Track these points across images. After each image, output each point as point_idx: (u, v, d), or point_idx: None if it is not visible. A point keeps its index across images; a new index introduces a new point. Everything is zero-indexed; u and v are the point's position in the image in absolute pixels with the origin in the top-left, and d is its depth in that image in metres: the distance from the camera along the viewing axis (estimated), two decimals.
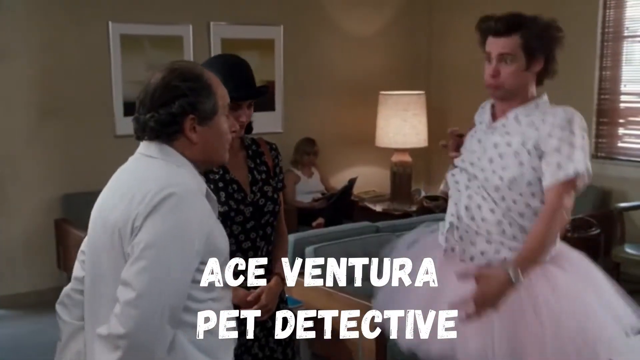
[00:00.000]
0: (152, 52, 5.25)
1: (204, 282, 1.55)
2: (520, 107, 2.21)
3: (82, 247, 1.73)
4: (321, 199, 5.66)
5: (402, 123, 5.98)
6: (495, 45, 2.20)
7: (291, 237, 3.92)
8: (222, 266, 1.60)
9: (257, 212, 2.25)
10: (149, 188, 1.51)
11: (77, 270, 1.73)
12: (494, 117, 2.28)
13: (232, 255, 2.19)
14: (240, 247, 2.23)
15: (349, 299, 3.44)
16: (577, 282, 2.20)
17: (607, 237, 5.03)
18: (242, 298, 2.15)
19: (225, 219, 2.16)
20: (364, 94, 6.32)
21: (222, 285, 1.61)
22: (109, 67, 5.13)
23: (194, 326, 1.55)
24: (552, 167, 2.09)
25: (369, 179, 6.42)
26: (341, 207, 5.63)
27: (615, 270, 4.71)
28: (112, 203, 1.58)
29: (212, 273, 1.56)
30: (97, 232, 1.62)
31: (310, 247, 3.80)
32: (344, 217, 5.49)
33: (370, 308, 3.28)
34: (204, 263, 1.54)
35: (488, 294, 1.96)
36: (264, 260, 2.24)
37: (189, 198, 1.52)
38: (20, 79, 4.92)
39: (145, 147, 1.63)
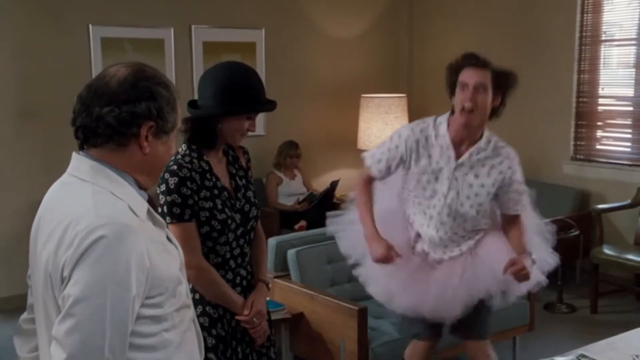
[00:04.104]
0: (133, 56, 5.22)
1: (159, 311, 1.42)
2: (477, 146, 2.67)
3: (30, 271, 1.57)
4: (303, 202, 5.67)
5: (383, 126, 6.01)
6: (473, 75, 2.59)
7: (273, 240, 3.92)
8: (173, 292, 1.45)
9: (244, 218, 2.25)
10: (76, 229, 1.34)
11: (29, 297, 1.60)
12: (457, 152, 2.68)
13: (226, 263, 2.22)
14: (233, 254, 2.23)
15: (330, 301, 3.45)
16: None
17: (586, 239, 5.09)
18: (239, 309, 2.21)
19: (223, 227, 2.16)
20: (346, 96, 6.35)
21: (177, 308, 1.48)
22: (89, 71, 5.10)
23: None
24: (514, 202, 2.73)
25: (351, 181, 6.42)
26: (323, 209, 5.61)
27: (594, 271, 4.76)
28: (43, 237, 1.43)
29: (162, 307, 1.42)
30: (33, 264, 1.50)
31: (292, 250, 3.80)
32: (327, 220, 5.50)
33: (353, 310, 3.30)
34: (151, 297, 1.39)
35: (527, 267, 2.55)
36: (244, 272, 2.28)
37: (121, 238, 1.33)
38: (0, 83, 4.89)
39: (76, 166, 1.45)
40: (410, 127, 2.75)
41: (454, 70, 2.66)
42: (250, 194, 2.29)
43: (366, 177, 2.81)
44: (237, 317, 2.21)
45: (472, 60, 2.62)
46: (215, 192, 2.18)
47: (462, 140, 2.66)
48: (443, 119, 2.71)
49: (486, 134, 2.69)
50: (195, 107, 2.20)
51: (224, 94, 2.12)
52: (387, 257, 2.57)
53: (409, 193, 2.77)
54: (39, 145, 4.99)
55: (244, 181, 2.30)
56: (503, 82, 2.64)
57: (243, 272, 2.28)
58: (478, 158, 2.66)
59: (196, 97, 2.23)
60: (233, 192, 2.24)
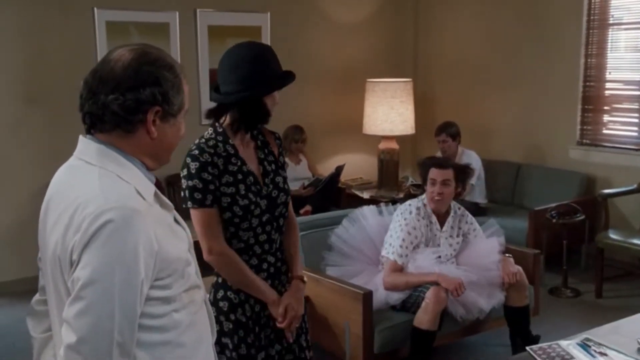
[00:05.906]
0: (138, 39, 5.21)
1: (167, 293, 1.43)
2: (451, 217, 3.65)
3: (40, 253, 1.60)
4: (309, 187, 5.67)
5: (389, 110, 6.00)
6: (440, 174, 3.51)
7: None
8: (181, 274, 1.47)
9: (271, 204, 2.22)
10: (84, 212, 1.35)
11: (41, 279, 1.63)
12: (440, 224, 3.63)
13: (250, 248, 2.20)
14: (258, 240, 2.21)
15: (336, 285, 3.46)
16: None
17: (592, 223, 5.09)
18: (269, 302, 2.21)
19: (245, 212, 2.15)
20: (352, 81, 6.33)
21: (186, 289, 1.49)
22: (94, 54, 5.10)
23: (157, 344, 1.43)
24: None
25: (356, 166, 6.44)
26: (328, 194, 5.64)
27: (599, 256, 4.76)
28: (51, 220, 1.45)
29: (171, 288, 1.43)
30: (43, 247, 1.51)
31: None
32: (332, 205, 5.51)
33: (358, 294, 3.31)
34: (159, 279, 1.41)
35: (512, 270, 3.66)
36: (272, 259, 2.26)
37: (129, 222, 1.34)
38: (4, 67, 4.88)
39: (83, 149, 1.46)
40: (415, 213, 3.55)
41: (423, 170, 3.55)
42: (279, 179, 2.26)
43: (395, 268, 3.50)
44: (278, 325, 2.21)
45: (435, 161, 3.56)
46: (240, 176, 2.16)
47: (441, 217, 3.61)
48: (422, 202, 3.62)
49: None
50: (218, 93, 2.19)
51: (263, 72, 2.16)
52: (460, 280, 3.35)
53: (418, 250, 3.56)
54: (43, 129, 5.00)
55: (273, 166, 2.27)
56: (463, 177, 3.57)
57: (271, 259, 2.25)
58: (451, 226, 3.64)
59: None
60: (261, 177, 2.22)
